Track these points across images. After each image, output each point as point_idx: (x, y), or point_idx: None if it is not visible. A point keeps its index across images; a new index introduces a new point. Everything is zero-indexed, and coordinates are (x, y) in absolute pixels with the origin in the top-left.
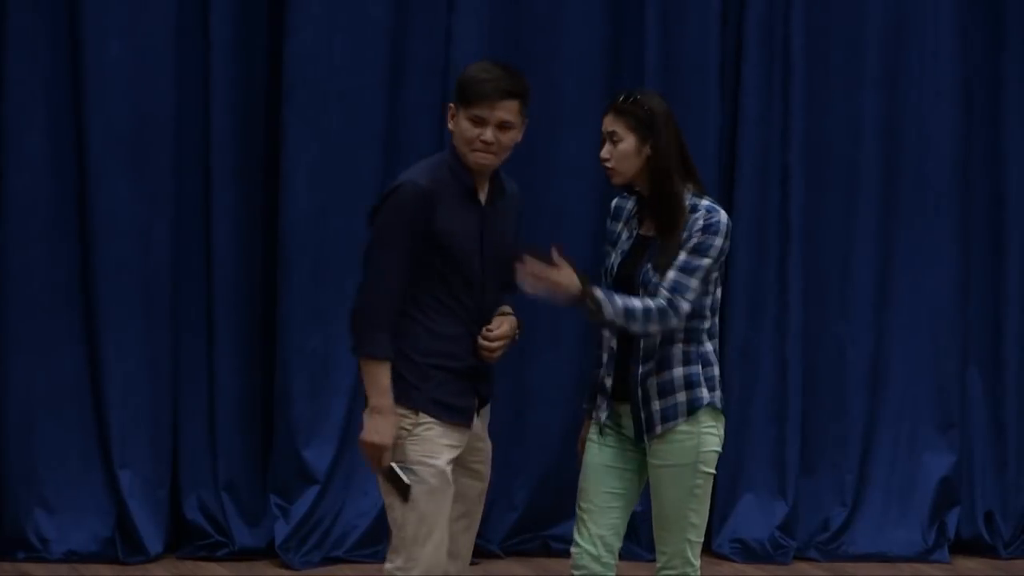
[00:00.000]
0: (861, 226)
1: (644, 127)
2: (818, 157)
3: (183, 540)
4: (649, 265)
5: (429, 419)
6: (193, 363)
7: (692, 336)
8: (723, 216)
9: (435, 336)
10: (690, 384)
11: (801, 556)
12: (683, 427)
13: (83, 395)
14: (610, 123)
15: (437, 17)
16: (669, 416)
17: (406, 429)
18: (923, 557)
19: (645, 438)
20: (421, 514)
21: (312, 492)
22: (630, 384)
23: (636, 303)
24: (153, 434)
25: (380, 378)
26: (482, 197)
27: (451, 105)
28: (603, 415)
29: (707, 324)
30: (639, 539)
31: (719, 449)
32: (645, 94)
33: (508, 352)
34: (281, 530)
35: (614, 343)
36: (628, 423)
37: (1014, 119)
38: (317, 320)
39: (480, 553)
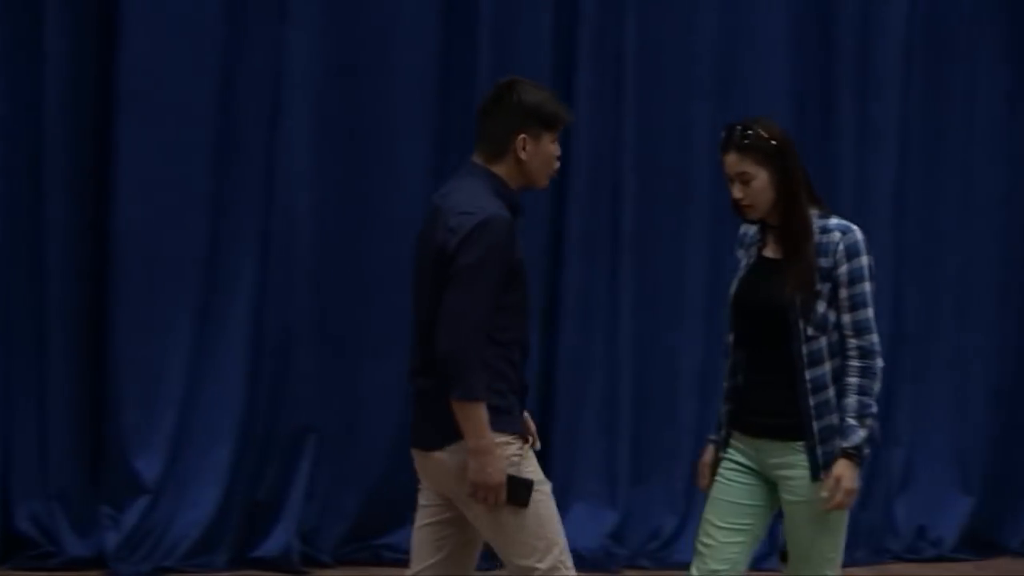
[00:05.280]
0: (692, 236)
1: (775, 159)
2: (650, 166)
3: (14, 551)
4: (797, 295)
5: (524, 443)
6: (23, 373)
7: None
8: (859, 233)
9: (512, 365)
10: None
11: (632, 564)
12: None
13: None
14: (736, 163)
15: (269, 27)
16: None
17: (518, 455)
18: (755, 564)
19: (822, 475)
20: (552, 517)
21: (143, 502)
22: (803, 420)
23: (852, 399)
24: None
25: (477, 417)
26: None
27: (522, 136)
28: (721, 445)
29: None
30: None
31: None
32: (759, 123)
33: (334, 363)
34: (112, 540)
35: (741, 378)
36: (752, 453)
37: (846, 130)
38: (148, 330)
39: (310, 562)
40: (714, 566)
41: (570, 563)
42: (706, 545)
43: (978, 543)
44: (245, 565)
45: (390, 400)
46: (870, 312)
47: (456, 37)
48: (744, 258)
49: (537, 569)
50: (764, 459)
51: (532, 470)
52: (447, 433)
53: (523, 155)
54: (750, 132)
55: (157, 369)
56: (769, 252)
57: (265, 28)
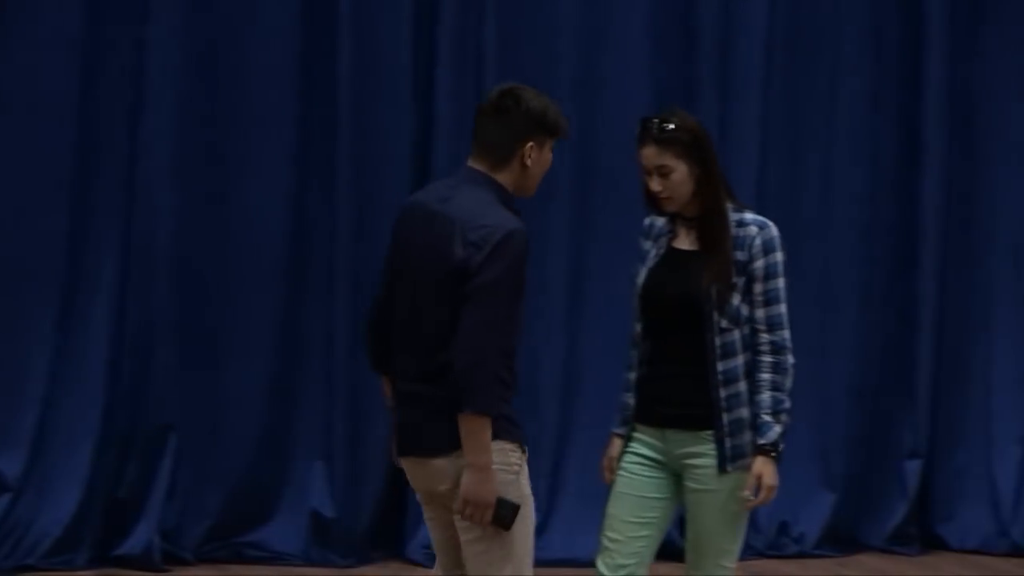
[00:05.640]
0: (555, 234)
1: (694, 151)
2: None
3: None
4: (713, 287)
5: (524, 453)
6: None
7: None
8: (775, 229)
9: (513, 375)
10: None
11: None
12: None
13: None
14: (655, 156)
15: (130, 27)
16: (745, 452)
17: (518, 464)
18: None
19: (728, 467)
20: (525, 545)
21: (4, 500)
22: (713, 411)
23: (766, 395)
24: None
25: (485, 434)
26: None
27: (531, 144)
28: (625, 437)
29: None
30: None
31: None
32: (675, 115)
33: (195, 361)
34: None
35: (647, 369)
36: (659, 444)
37: (707, 129)
38: (9, 329)
39: (172, 560)
40: (621, 560)
41: None
42: (613, 540)
43: (840, 540)
44: (107, 563)
45: (252, 398)
46: (783, 308)
47: (317, 35)
48: (652, 249)
49: None
50: (671, 449)
51: (526, 482)
52: (454, 440)
53: (528, 162)
54: (668, 125)
55: (18, 367)
56: (681, 244)
57: (126, 27)
